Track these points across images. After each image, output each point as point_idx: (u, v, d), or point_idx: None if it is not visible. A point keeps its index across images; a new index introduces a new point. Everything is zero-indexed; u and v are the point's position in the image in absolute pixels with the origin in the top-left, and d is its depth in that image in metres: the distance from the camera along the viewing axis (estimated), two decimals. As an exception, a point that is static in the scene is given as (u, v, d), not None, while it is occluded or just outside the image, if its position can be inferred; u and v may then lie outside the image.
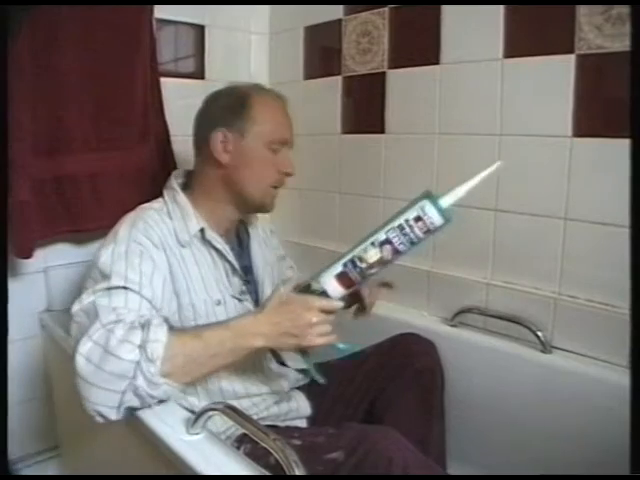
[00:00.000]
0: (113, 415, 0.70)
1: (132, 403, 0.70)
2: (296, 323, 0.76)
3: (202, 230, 0.91)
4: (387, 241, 0.72)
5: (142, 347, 0.69)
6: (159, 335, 0.70)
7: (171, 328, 0.76)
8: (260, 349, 0.79)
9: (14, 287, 1.12)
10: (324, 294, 0.78)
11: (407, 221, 0.71)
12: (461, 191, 0.71)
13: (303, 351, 0.82)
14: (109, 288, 0.77)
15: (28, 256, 1.06)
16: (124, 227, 0.86)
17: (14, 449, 1.17)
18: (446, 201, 0.71)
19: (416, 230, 0.71)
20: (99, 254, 0.83)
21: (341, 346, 0.84)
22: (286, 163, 0.94)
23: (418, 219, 0.71)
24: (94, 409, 0.69)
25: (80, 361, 0.69)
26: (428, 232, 0.71)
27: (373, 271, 0.74)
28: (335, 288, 0.78)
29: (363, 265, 0.74)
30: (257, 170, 0.92)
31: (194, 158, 0.98)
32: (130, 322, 0.72)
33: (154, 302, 0.80)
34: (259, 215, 1.06)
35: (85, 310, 0.76)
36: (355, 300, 0.97)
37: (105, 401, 0.69)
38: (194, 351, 0.73)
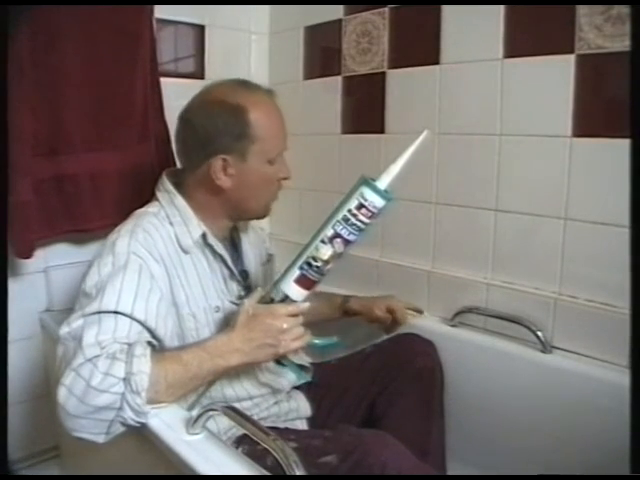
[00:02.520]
0: (101, 439, 0.70)
1: (120, 429, 0.70)
2: (269, 333, 0.77)
3: (203, 235, 0.89)
4: (336, 235, 0.72)
5: (126, 380, 0.68)
6: (142, 367, 0.69)
7: (153, 347, 0.76)
8: (239, 366, 0.79)
9: (14, 287, 1.12)
10: (288, 300, 0.79)
11: (350, 211, 0.72)
12: (395, 169, 0.73)
13: (277, 360, 0.84)
14: (99, 312, 0.74)
15: (28, 256, 1.07)
16: (122, 237, 0.82)
17: (14, 449, 1.17)
18: (383, 182, 0.72)
19: (361, 217, 0.71)
20: (97, 266, 0.79)
21: (317, 342, 0.85)
22: (284, 170, 0.92)
23: (360, 206, 0.71)
24: (79, 436, 0.69)
25: (62, 393, 0.68)
26: (373, 216, 0.72)
27: (329, 267, 0.75)
28: (297, 292, 0.78)
29: (319, 263, 0.74)
30: (261, 188, 0.90)
31: (185, 169, 0.93)
32: (112, 353, 0.71)
33: (148, 323, 0.78)
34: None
35: (74, 335, 0.74)
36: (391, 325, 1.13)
37: (91, 429, 0.69)
38: (175, 375, 0.73)
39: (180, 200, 0.89)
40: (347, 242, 0.73)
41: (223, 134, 0.84)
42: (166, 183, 0.92)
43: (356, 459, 0.74)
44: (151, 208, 0.90)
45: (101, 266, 0.80)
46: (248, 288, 0.97)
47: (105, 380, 0.67)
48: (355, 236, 0.73)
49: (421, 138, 0.73)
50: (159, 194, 0.92)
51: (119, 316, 0.75)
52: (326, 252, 0.73)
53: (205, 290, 0.88)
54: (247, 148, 0.85)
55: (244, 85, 0.89)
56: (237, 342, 0.77)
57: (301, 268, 0.76)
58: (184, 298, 0.85)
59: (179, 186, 0.91)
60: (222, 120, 0.84)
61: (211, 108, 0.86)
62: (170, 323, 0.83)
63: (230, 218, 0.94)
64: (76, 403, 0.67)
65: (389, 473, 0.71)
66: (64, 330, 0.75)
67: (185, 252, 0.87)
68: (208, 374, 0.77)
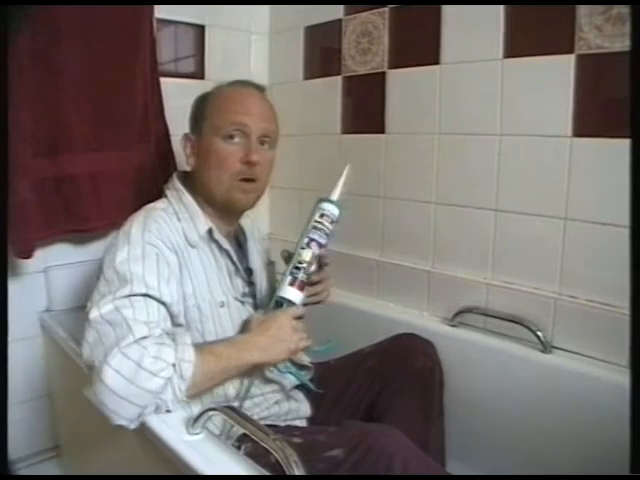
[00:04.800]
0: (132, 426, 0.71)
1: (149, 415, 0.72)
2: (282, 330, 0.84)
3: (209, 231, 0.91)
4: (311, 240, 0.89)
5: (175, 366, 0.71)
6: (188, 355, 0.73)
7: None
8: (259, 364, 0.84)
9: (14, 287, 1.12)
10: (290, 303, 0.88)
11: (316, 221, 0.90)
12: (337, 191, 0.91)
13: (292, 363, 0.91)
14: (130, 295, 0.76)
15: (28, 256, 1.06)
16: (136, 228, 0.84)
17: (14, 449, 1.17)
18: (334, 196, 0.91)
19: (325, 224, 0.90)
20: (113, 255, 0.81)
21: (316, 348, 0.93)
22: (247, 151, 0.88)
23: (322, 215, 0.90)
24: (116, 421, 0.70)
25: (109, 373, 0.68)
26: (333, 222, 0.91)
27: (313, 268, 0.90)
28: (295, 294, 0.89)
29: (304, 265, 0.88)
30: (214, 163, 0.89)
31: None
32: (159, 336, 0.74)
33: (172, 308, 0.81)
34: (251, 217, 1.07)
35: (108, 319, 0.74)
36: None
37: (127, 414, 0.70)
38: (209, 366, 0.76)
39: (188, 197, 0.93)
40: (320, 244, 0.90)
41: (190, 118, 0.96)
42: (175, 182, 0.96)
43: (362, 453, 0.74)
44: (160, 204, 0.92)
45: (118, 254, 0.80)
46: (252, 285, 0.99)
47: (156, 363, 0.70)
48: (324, 239, 0.90)
49: (346, 171, 0.93)
50: (168, 192, 0.95)
51: (149, 299, 0.77)
52: (307, 255, 0.89)
53: (210, 284, 0.90)
54: (201, 124, 0.92)
55: (234, 80, 0.97)
56: (258, 340, 0.83)
57: (292, 273, 0.89)
58: (191, 290, 0.87)
59: (188, 185, 0.95)
60: (193, 108, 0.96)
61: (194, 102, 0.97)
62: (181, 311, 0.86)
63: (210, 204, 0.93)
64: (125, 384, 0.68)
65: (395, 466, 0.71)
66: (94, 314, 0.75)
67: (192, 246, 0.89)
68: (234, 368, 0.80)
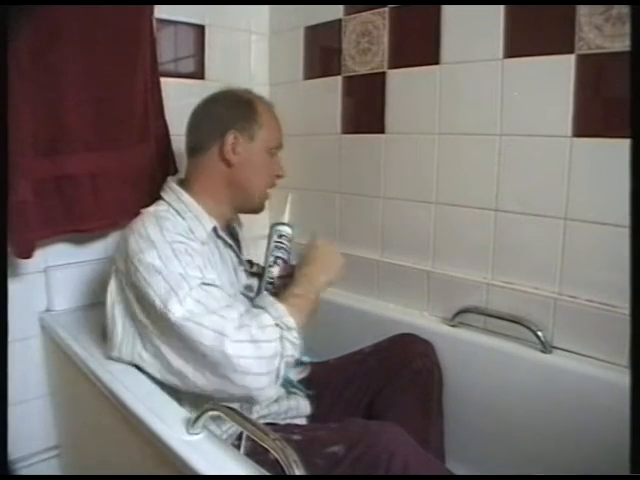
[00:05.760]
0: (273, 392, 0.79)
1: (282, 372, 0.78)
2: (325, 253, 0.95)
3: (214, 228, 0.94)
4: (277, 257, 1.00)
5: (278, 324, 0.79)
6: (281, 309, 0.81)
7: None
8: (327, 285, 0.92)
9: (14, 287, 1.12)
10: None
11: (277, 241, 1.00)
12: (287, 213, 1.02)
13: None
14: (202, 284, 0.79)
15: (28, 256, 1.06)
16: (153, 230, 0.84)
17: (14, 449, 1.17)
18: (285, 219, 1.01)
19: (285, 242, 1.00)
20: (144, 263, 0.80)
21: (304, 358, 1.01)
22: (279, 166, 1.02)
23: (281, 236, 1.00)
24: (263, 395, 0.77)
25: (235, 361, 0.74)
26: (289, 240, 1.01)
27: (280, 281, 0.98)
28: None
29: (274, 280, 0.98)
30: (259, 172, 0.98)
31: (191, 159, 1.00)
32: (245, 310, 0.81)
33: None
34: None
35: (196, 312, 0.76)
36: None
37: (268, 384, 0.76)
38: (300, 308, 0.84)
39: (187, 196, 0.94)
40: (283, 260, 0.99)
41: (237, 117, 0.96)
42: (170, 183, 0.97)
43: (363, 449, 0.74)
44: (160, 207, 0.93)
45: (152, 262, 0.80)
46: (255, 275, 1.05)
47: (265, 331, 0.77)
48: (286, 255, 1.00)
49: (290, 198, 1.02)
50: (164, 194, 0.96)
51: (210, 287, 0.81)
52: (276, 271, 0.98)
53: (221, 279, 0.91)
54: (255, 131, 0.96)
55: (251, 91, 1.03)
56: (313, 269, 0.91)
57: (267, 289, 0.97)
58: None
59: (183, 185, 0.97)
60: (236, 107, 0.97)
61: (226, 99, 0.99)
62: None
63: (231, 204, 0.99)
64: (255, 362, 0.75)
65: (396, 463, 0.71)
66: (180, 312, 0.76)
67: (202, 243, 0.91)
68: (315, 297, 0.88)
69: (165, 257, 0.80)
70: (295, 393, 1.02)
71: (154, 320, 0.80)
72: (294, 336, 0.80)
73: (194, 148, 0.99)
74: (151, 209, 0.92)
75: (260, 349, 0.75)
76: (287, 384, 1.01)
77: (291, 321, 0.80)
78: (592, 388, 0.95)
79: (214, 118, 0.97)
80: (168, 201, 0.93)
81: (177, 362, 0.78)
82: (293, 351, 0.79)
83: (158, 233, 0.83)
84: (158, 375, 0.82)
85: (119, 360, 0.88)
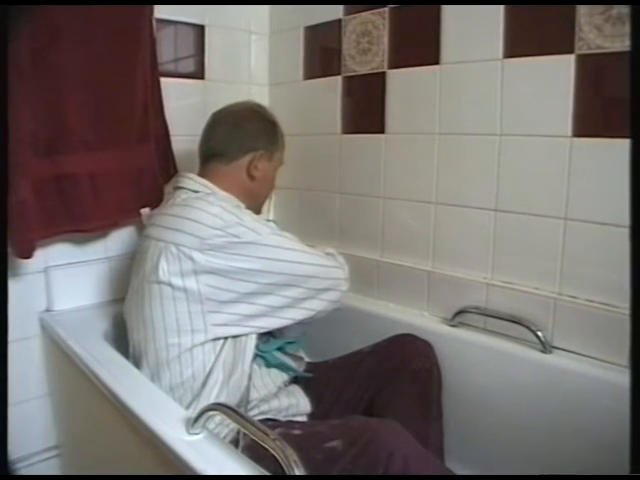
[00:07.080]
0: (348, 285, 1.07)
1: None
2: None
3: None
4: None
5: (342, 265, 1.06)
6: (339, 259, 1.08)
7: None
8: None
9: (14, 287, 1.12)
10: None
11: None
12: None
13: (286, 353, 1.07)
14: (327, 254, 1.05)
15: (28, 256, 1.06)
16: (247, 220, 0.92)
17: (14, 449, 1.17)
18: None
19: None
20: (277, 262, 0.93)
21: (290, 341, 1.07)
22: (276, 180, 1.14)
23: None
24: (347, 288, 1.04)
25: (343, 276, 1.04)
26: None
27: None
28: None
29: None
30: (270, 186, 1.13)
31: (212, 163, 1.05)
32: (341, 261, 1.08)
33: None
34: None
35: (330, 266, 1.02)
36: None
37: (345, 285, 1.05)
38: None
39: (222, 192, 1.00)
40: None
41: (265, 138, 1.07)
42: (197, 178, 1.02)
43: (362, 445, 0.74)
44: (220, 195, 0.98)
45: (269, 241, 0.94)
46: None
47: (344, 266, 1.07)
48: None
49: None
50: (195, 185, 1.00)
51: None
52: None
53: None
54: (274, 152, 1.08)
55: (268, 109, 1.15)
56: None
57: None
58: None
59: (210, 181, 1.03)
60: (265, 127, 1.08)
61: (256, 119, 1.09)
62: None
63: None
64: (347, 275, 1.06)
65: (395, 461, 0.71)
66: (339, 274, 1.04)
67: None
68: None
69: (274, 240, 0.95)
70: (294, 382, 1.03)
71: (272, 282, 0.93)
72: (344, 269, 1.07)
73: (216, 155, 1.04)
74: (198, 199, 0.95)
75: (345, 267, 1.07)
76: (284, 368, 1.02)
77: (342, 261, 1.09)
78: (592, 388, 0.95)
79: (245, 135, 1.05)
80: (206, 192, 0.98)
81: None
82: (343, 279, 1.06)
83: (250, 221, 0.93)
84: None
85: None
